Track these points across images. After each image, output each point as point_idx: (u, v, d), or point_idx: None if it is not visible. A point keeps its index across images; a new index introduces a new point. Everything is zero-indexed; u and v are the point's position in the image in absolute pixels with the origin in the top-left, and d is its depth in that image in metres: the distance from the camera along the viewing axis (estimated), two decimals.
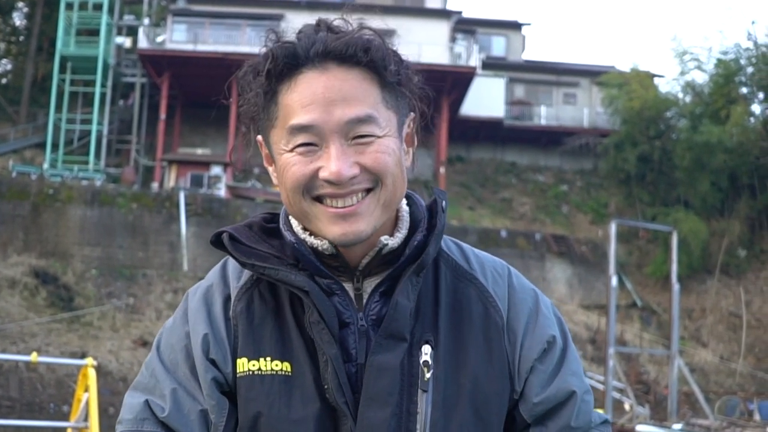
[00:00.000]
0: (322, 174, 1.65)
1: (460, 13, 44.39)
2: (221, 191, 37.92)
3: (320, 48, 1.67)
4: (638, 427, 22.04)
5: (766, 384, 34.36)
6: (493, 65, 46.03)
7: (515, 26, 50.98)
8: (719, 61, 45.41)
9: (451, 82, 40.62)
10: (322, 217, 1.68)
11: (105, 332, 29.66)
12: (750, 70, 45.20)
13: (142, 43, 41.16)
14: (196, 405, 1.71)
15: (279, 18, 42.17)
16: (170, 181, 39.25)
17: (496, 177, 45.14)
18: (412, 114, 1.79)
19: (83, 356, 19.55)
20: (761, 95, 45.15)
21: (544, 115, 46.34)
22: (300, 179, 1.67)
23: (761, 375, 34.95)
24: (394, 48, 1.76)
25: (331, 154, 1.64)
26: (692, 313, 38.69)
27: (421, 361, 1.67)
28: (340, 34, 1.70)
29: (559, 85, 48.51)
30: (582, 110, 47.24)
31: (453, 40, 43.10)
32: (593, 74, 48.13)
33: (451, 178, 42.43)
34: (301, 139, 1.66)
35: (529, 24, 51.52)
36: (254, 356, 1.70)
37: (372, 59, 1.69)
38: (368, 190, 1.68)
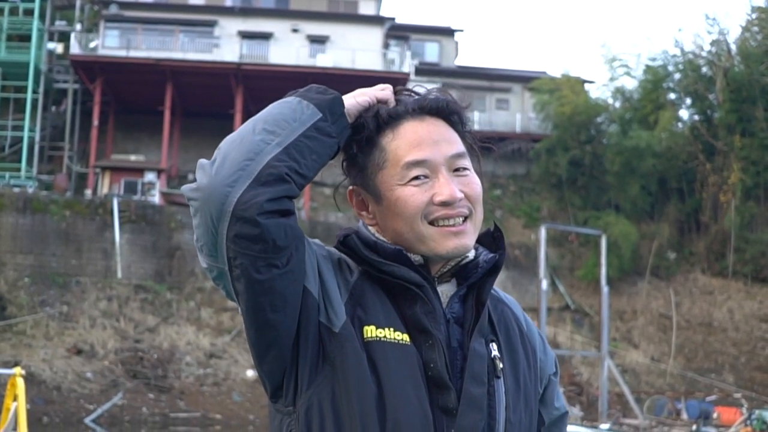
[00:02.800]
0: (438, 198, 2.01)
1: (393, 19, 44.57)
2: (155, 198, 37.73)
3: (417, 104, 2.08)
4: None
5: (696, 384, 34.99)
6: (426, 71, 46.29)
7: (448, 32, 51.31)
8: (647, 67, 46.27)
9: None
10: (437, 236, 2.02)
11: (38, 341, 29.38)
12: (677, 76, 46.13)
13: (74, 48, 40.77)
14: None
15: (212, 24, 42.09)
16: (104, 188, 38.95)
17: None
18: None
19: (16, 365, 19.42)
20: (688, 101, 46.09)
21: (477, 121, 46.65)
22: (420, 205, 2.01)
23: (691, 375, 35.57)
24: (464, 104, 2.17)
25: (443, 181, 2.02)
26: (623, 314, 39.26)
27: (492, 355, 2.06)
28: (427, 94, 2.11)
29: (491, 91, 48.93)
30: (514, 115, 47.70)
31: (386, 46, 43.31)
32: (525, 80, 48.66)
33: None
34: (416, 172, 2.02)
35: (461, 30, 51.66)
36: (380, 326, 1.97)
37: (453, 113, 2.11)
38: (465, 218, 2.04)
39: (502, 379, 2.05)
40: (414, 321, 1.98)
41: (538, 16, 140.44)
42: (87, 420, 26.19)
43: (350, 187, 2.15)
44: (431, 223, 2.01)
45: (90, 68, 40.37)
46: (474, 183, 2.06)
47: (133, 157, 41.35)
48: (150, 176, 39.26)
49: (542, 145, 43.69)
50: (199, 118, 43.07)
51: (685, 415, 27.25)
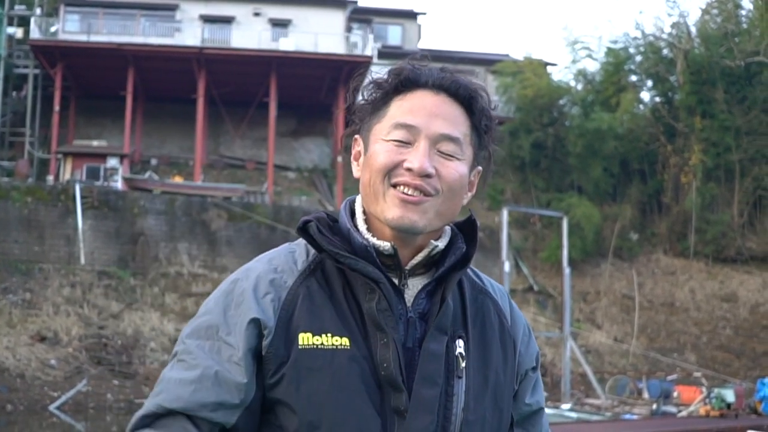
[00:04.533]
0: (407, 164, 1.96)
1: (355, 2, 44.51)
2: (118, 183, 37.49)
3: (438, 80, 2.02)
4: None
5: (658, 363, 35.35)
6: (389, 54, 46.20)
7: (411, 15, 51.34)
8: (609, 49, 46.54)
9: (347, 72, 40.75)
10: (389, 199, 1.98)
11: (1, 328, 29.15)
12: (638, 58, 46.46)
13: (34, 33, 40.36)
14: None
15: (173, 8, 41.82)
16: (66, 174, 38.69)
17: None
18: (480, 168, 2.16)
19: None
20: (650, 83, 46.45)
21: None
22: (388, 163, 1.98)
23: (653, 355, 35.93)
24: (492, 106, 2.10)
25: (419, 151, 1.97)
26: (587, 295, 39.55)
27: (456, 353, 2.00)
28: (458, 77, 2.04)
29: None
30: None
31: (349, 29, 43.24)
32: (488, 63, 48.75)
33: (349, 166, 42.54)
34: (400, 134, 1.99)
35: (424, 13, 51.92)
36: (317, 332, 1.93)
37: (474, 105, 2.04)
38: (426, 194, 1.97)
39: (463, 378, 1.98)
40: (370, 316, 1.94)
41: None
42: (51, 407, 26.09)
43: (356, 136, 2.15)
44: (393, 185, 1.97)
45: (50, 53, 40.02)
46: (453, 169, 2.00)
47: (95, 143, 41.07)
48: (112, 162, 39.02)
49: (505, 128, 43.80)
50: (161, 102, 42.86)
51: (646, 395, 27.53)
